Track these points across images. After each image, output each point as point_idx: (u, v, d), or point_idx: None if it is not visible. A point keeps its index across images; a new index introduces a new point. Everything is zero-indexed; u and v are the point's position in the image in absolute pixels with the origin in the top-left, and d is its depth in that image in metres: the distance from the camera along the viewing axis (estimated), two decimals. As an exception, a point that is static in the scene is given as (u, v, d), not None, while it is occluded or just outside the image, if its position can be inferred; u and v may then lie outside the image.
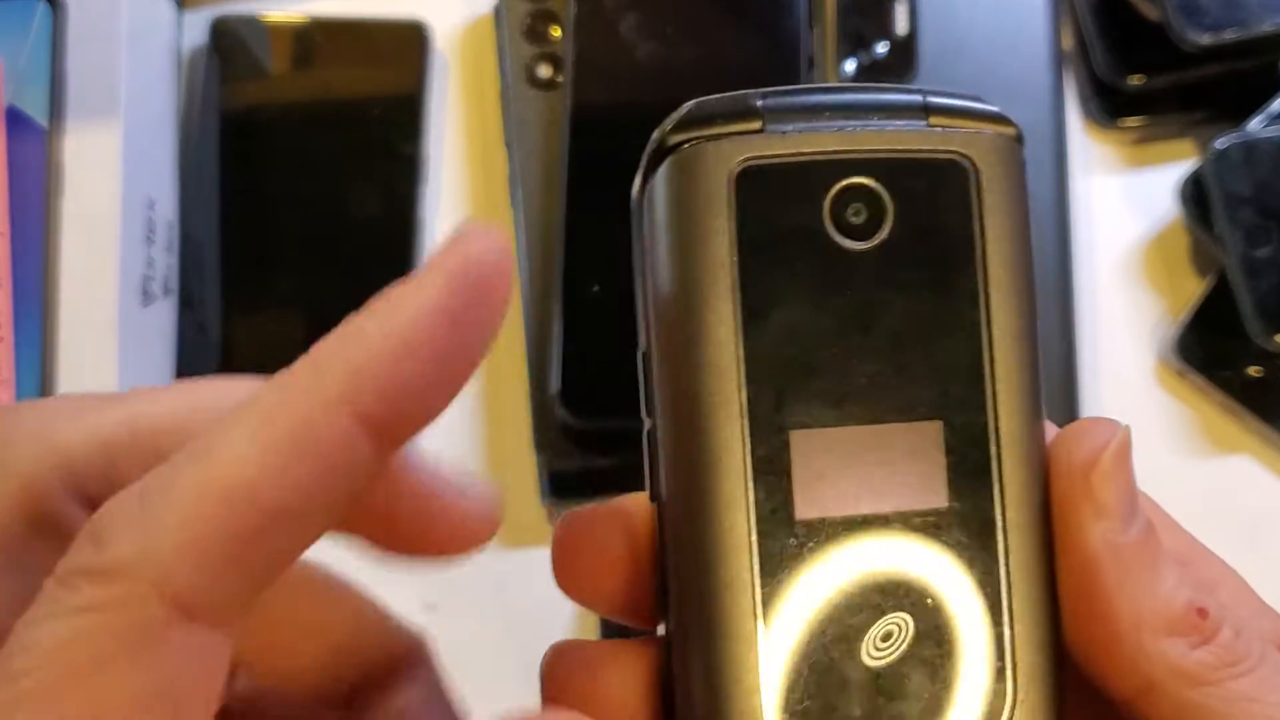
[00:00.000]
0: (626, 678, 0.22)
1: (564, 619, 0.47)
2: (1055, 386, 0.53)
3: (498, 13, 0.56)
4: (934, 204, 0.21)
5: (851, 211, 0.21)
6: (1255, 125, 0.53)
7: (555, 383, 0.50)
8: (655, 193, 0.21)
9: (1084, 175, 0.57)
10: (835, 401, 0.20)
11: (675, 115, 0.21)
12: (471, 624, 0.41)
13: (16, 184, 0.50)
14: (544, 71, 0.55)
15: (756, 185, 0.20)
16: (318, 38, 0.56)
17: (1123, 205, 0.57)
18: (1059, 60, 0.56)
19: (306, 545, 0.18)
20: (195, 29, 0.57)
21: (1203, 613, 0.20)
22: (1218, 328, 0.53)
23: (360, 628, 0.24)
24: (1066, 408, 0.53)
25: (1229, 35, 0.52)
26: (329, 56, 0.56)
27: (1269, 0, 0.53)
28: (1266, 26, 0.53)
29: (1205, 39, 0.52)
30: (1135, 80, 0.55)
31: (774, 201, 0.20)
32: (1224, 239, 0.51)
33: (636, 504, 0.23)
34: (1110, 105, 0.57)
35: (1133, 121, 0.57)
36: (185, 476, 0.16)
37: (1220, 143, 0.52)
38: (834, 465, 0.20)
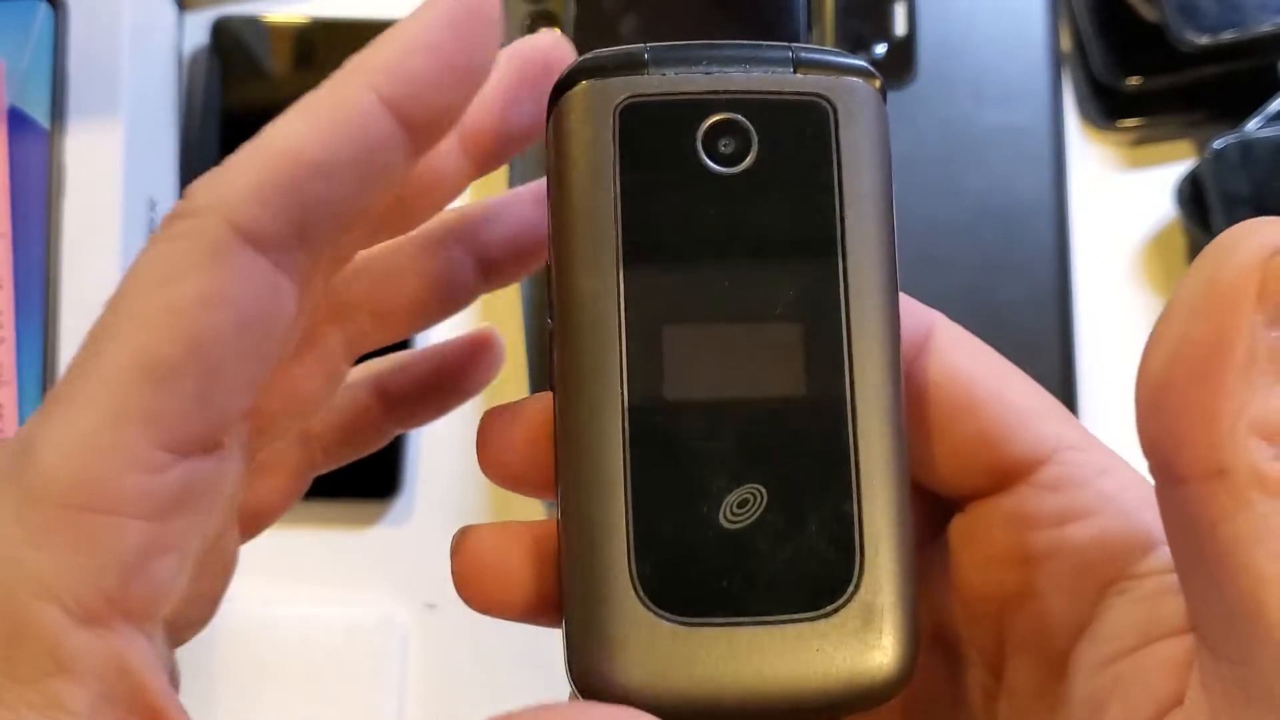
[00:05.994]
0: (526, 551, 0.25)
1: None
2: (1054, 386, 0.54)
3: (498, 14, 0.56)
4: (795, 136, 0.24)
5: (722, 142, 0.24)
6: (1253, 126, 0.53)
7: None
8: (554, 124, 0.24)
9: (1082, 176, 0.57)
10: (705, 303, 0.24)
11: (574, 61, 0.24)
12: (471, 623, 0.41)
13: (18, 185, 0.50)
14: (544, 72, 0.55)
15: (638, 117, 0.24)
16: (318, 38, 0.56)
17: (1121, 206, 0.57)
18: (1057, 61, 0.56)
19: (348, 206, 0.22)
20: (196, 30, 0.57)
21: None
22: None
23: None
24: (1065, 406, 0.53)
25: (1226, 36, 0.53)
26: (329, 57, 0.56)
27: (1266, 1, 0.53)
28: (1264, 27, 0.53)
29: (1203, 40, 0.52)
30: (1133, 81, 0.56)
31: (653, 131, 0.24)
32: (1222, 239, 0.51)
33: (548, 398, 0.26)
34: (1108, 106, 0.57)
35: (1130, 122, 0.57)
36: (250, 148, 0.21)
37: (1217, 143, 0.52)
38: (702, 356, 0.23)
